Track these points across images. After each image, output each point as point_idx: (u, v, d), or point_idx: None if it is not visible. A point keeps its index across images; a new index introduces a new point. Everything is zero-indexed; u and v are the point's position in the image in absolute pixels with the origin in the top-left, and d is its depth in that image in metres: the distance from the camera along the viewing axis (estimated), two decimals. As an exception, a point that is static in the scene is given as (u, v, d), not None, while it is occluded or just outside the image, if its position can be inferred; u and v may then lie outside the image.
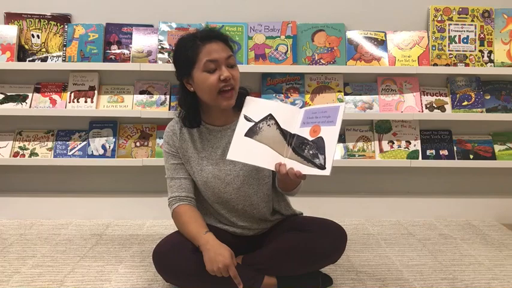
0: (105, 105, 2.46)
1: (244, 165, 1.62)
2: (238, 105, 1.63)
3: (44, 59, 2.46)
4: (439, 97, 2.54)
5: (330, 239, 1.62)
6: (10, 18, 2.46)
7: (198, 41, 1.56)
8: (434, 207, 2.58)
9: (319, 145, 1.42)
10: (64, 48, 2.44)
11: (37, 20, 2.46)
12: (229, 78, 1.54)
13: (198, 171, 1.65)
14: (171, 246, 1.59)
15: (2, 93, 2.46)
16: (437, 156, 2.51)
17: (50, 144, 2.48)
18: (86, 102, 2.44)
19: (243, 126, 1.51)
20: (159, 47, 2.44)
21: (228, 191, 1.64)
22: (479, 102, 2.52)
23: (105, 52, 2.46)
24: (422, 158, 2.50)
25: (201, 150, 1.66)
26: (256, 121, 1.51)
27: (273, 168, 1.48)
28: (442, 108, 2.52)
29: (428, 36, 2.51)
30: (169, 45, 2.44)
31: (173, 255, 1.56)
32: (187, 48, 1.57)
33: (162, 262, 1.58)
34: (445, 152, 2.52)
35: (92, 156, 2.44)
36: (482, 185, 2.62)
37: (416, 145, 2.51)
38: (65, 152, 2.46)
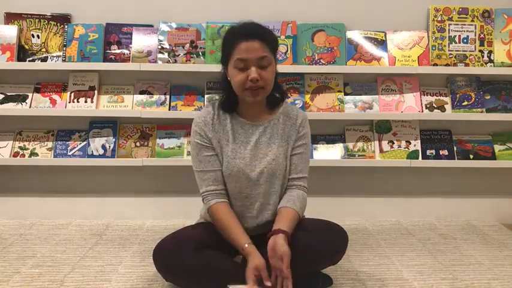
0: (105, 105, 2.46)
1: (269, 163, 1.64)
2: (272, 105, 1.70)
3: (44, 59, 2.46)
4: (439, 97, 2.54)
5: (331, 239, 1.62)
6: (10, 18, 2.46)
7: (236, 37, 1.59)
8: (434, 207, 2.58)
9: None
10: (64, 48, 2.44)
11: (37, 20, 2.46)
12: (257, 79, 1.56)
13: (225, 163, 1.65)
14: (171, 245, 1.60)
15: (2, 93, 2.46)
16: (437, 156, 2.51)
17: (50, 144, 2.48)
18: (86, 102, 2.44)
19: None
20: (159, 47, 2.44)
21: (250, 186, 1.65)
22: (479, 102, 2.52)
23: (105, 52, 2.46)
24: (422, 158, 2.50)
25: (231, 143, 1.66)
26: None
27: None
28: (442, 108, 2.52)
29: (428, 36, 2.51)
30: (169, 45, 2.44)
31: (174, 255, 1.56)
32: (227, 41, 1.63)
33: (163, 261, 1.58)
34: (445, 152, 2.52)
35: (92, 156, 2.44)
36: (482, 185, 2.62)
37: (416, 145, 2.51)
38: (65, 152, 2.46)
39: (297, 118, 1.72)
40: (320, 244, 1.58)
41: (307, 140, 1.73)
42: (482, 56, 2.51)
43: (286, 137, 1.70)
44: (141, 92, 2.49)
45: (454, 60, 2.50)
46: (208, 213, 1.67)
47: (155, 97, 2.48)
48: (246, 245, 1.54)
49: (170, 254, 1.57)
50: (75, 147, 2.47)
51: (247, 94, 1.60)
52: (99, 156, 2.44)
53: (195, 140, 1.68)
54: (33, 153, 2.46)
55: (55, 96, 2.47)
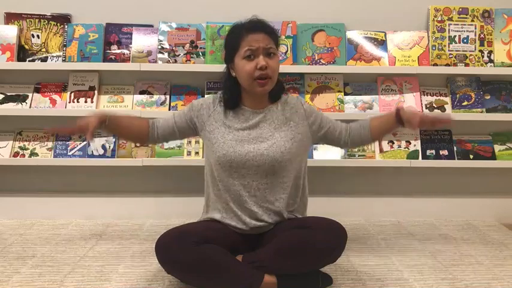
0: (105, 105, 2.46)
1: (270, 146, 1.71)
2: (275, 95, 1.79)
3: (44, 59, 2.46)
4: (439, 97, 2.54)
5: (330, 235, 1.63)
6: (10, 18, 2.46)
7: (243, 31, 1.69)
8: (434, 207, 2.58)
9: None
10: (64, 48, 2.44)
11: (37, 20, 2.46)
12: (265, 67, 1.65)
13: (220, 143, 1.72)
14: (174, 238, 1.61)
15: (2, 93, 2.46)
16: (437, 156, 2.51)
17: (50, 144, 2.48)
18: (86, 102, 2.44)
19: None
20: (159, 47, 2.44)
21: (247, 166, 1.70)
22: (479, 102, 2.52)
23: (105, 52, 2.46)
24: (422, 158, 2.50)
25: (229, 125, 1.75)
26: None
27: None
28: (442, 108, 2.52)
29: (428, 36, 2.51)
30: (169, 45, 2.44)
31: (174, 249, 1.57)
32: (234, 36, 1.72)
33: (164, 254, 1.59)
34: (445, 152, 2.52)
35: (92, 156, 2.44)
36: (482, 185, 2.62)
37: (416, 145, 2.51)
38: (65, 152, 2.46)
39: (295, 103, 1.84)
40: (319, 239, 1.60)
41: (315, 112, 1.86)
42: (482, 56, 2.51)
43: (288, 121, 1.78)
44: (141, 92, 2.49)
45: (454, 60, 2.50)
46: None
47: (155, 97, 2.48)
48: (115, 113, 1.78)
49: (171, 248, 1.58)
50: (75, 147, 2.47)
51: (256, 85, 1.69)
52: (99, 156, 2.44)
53: (193, 102, 1.85)
54: (33, 153, 2.46)
55: (55, 96, 2.47)
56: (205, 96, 2.45)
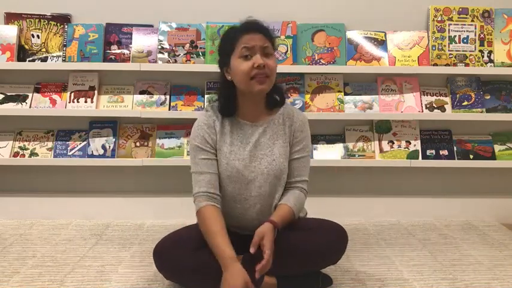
0: (105, 105, 2.46)
1: (270, 163, 1.64)
2: (272, 104, 1.70)
3: (44, 59, 2.46)
4: (439, 97, 2.54)
5: (331, 238, 1.63)
6: (10, 18, 2.46)
7: (240, 31, 1.62)
8: (434, 207, 2.58)
9: None
10: (64, 48, 2.44)
11: (37, 20, 2.46)
12: (263, 65, 1.58)
13: (224, 165, 1.65)
14: (172, 244, 1.60)
15: (2, 93, 2.46)
16: (437, 156, 2.51)
17: (50, 144, 2.48)
18: (86, 102, 2.45)
19: None
20: (159, 47, 2.44)
21: (250, 188, 1.65)
22: (479, 102, 2.52)
23: (105, 52, 2.46)
24: (422, 158, 2.50)
25: (230, 144, 1.66)
26: None
27: None
28: (442, 108, 2.52)
29: (428, 36, 2.51)
30: (169, 45, 2.44)
31: (173, 255, 1.57)
32: (229, 38, 1.64)
33: (162, 261, 1.59)
34: (445, 152, 2.52)
35: (92, 156, 2.44)
36: (482, 185, 2.62)
37: (416, 145, 2.51)
38: (65, 152, 2.46)
39: (296, 121, 1.71)
40: (320, 241, 1.59)
41: (306, 143, 1.72)
42: (482, 56, 2.51)
43: (287, 137, 1.70)
44: (141, 92, 2.49)
45: (454, 60, 2.50)
46: (196, 215, 1.62)
47: (155, 97, 2.48)
48: (229, 259, 1.48)
49: (169, 254, 1.57)
50: (75, 147, 2.47)
51: (254, 83, 1.59)
52: (99, 156, 2.44)
53: (195, 143, 1.66)
54: (33, 153, 2.46)
55: (55, 96, 2.47)
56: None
